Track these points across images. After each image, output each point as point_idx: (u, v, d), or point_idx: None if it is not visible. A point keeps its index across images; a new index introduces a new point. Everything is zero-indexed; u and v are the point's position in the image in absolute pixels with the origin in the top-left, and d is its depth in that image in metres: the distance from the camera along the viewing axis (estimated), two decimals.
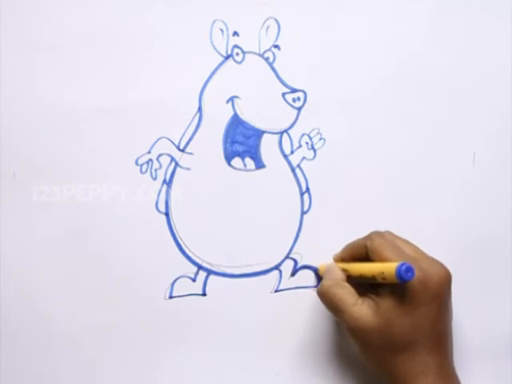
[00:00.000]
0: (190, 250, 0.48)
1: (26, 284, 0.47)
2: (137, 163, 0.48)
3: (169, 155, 0.48)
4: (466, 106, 0.51)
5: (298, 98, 0.50)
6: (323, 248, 0.50)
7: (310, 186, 0.50)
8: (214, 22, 0.49)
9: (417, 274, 0.41)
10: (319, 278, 0.49)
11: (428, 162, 0.51)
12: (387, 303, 0.42)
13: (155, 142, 0.48)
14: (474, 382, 0.50)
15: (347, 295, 0.44)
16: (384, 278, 0.42)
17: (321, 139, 0.50)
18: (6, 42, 0.46)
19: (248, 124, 0.49)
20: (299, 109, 0.50)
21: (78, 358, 0.47)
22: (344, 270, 0.46)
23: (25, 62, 0.47)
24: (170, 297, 0.48)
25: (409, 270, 0.40)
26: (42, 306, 0.47)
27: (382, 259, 0.43)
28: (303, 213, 0.50)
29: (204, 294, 0.49)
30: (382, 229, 0.49)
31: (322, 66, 0.50)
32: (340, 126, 0.50)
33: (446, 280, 0.43)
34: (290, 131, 0.50)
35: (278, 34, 0.49)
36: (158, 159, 0.48)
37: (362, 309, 0.43)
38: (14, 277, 0.46)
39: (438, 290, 0.42)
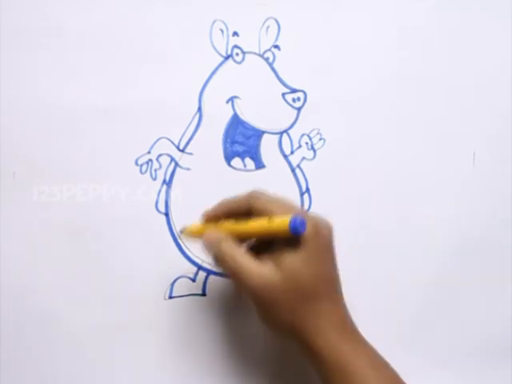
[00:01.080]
0: (189, 250, 0.48)
1: (26, 284, 0.47)
2: (137, 163, 0.48)
3: (169, 155, 0.48)
4: (466, 105, 0.51)
5: (298, 98, 0.50)
6: None
7: (309, 186, 0.50)
8: (213, 22, 0.49)
9: (310, 227, 0.41)
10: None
11: (428, 162, 0.51)
12: (288, 257, 0.41)
13: (155, 142, 0.48)
14: (474, 382, 0.50)
15: (245, 257, 0.42)
16: (276, 234, 0.41)
17: (321, 139, 0.50)
18: (6, 41, 0.46)
19: (248, 124, 0.49)
20: (299, 109, 0.50)
21: (78, 357, 0.47)
22: (232, 232, 0.43)
23: (25, 62, 0.47)
24: (170, 297, 0.48)
25: (302, 222, 0.40)
26: (42, 305, 0.47)
27: (271, 213, 0.42)
28: None
29: (204, 294, 0.49)
30: (381, 229, 0.49)
31: (322, 66, 0.50)
32: (340, 126, 0.50)
33: (332, 231, 0.43)
34: (289, 131, 0.50)
35: (277, 34, 0.49)
36: (157, 159, 0.48)
37: (263, 267, 0.41)
38: (14, 276, 0.47)
39: (329, 240, 0.43)
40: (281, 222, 0.40)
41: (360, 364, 0.41)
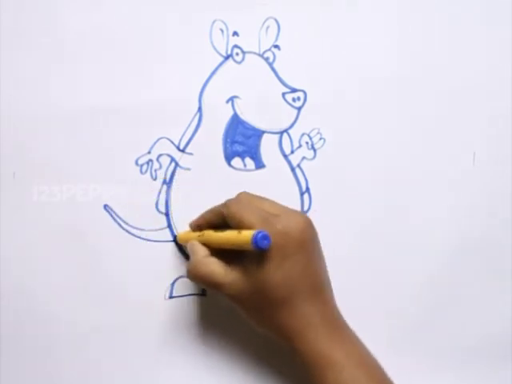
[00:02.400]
0: None
1: (26, 284, 0.47)
2: (137, 163, 0.48)
3: (169, 155, 0.48)
4: (466, 106, 0.51)
5: (298, 98, 0.50)
6: (323, 248, 0.50)
7: (310, 186, 0.50)
8: (213, 21, 0.49)
9: (278, 227, 0.41)
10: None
11: (428, 162, 0.51)
12: (255, 264, 0.41)
13: (155, 142, 0.48)
14: (474, 382, 0.50)
15: (215, 269, 0.43)
16: (242, 247, 0.41)
17: (321, 139, 0.50)
18: (7, 42, 0.46)
19: (248, 124, 0.49)
20: (299, 109, 0.50)
21: (77, 358, 0.47)
22: (204, 245, 0.45)
23: (25, 62, 0.47)
24: (170, 297, 0.48)
25: (264, 237, 0.40)
26: (42, 306, 0.47)
27: (241, 224, 0.42)
28: (303, 213, 0.50)
29: (204, 294, 0.49)
30: (381, 228, 0.49)
31: (322, 66, 0.50)
32: (340, 126, 0.50)
33: (306, 227, 0.43)
34: (289, 131, 0.50)
35: (277, 34, 0.49)
36: (157, 159, 0.48)
37: (231, 275, 0.42)
38: (14, 277, 0.47)
39: (301, 238, 0.42)
40: (244, 237, 0.41)
41: (340, 360, 0.41)
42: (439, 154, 0.51)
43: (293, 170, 0.50)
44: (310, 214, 0.50)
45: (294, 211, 0.44)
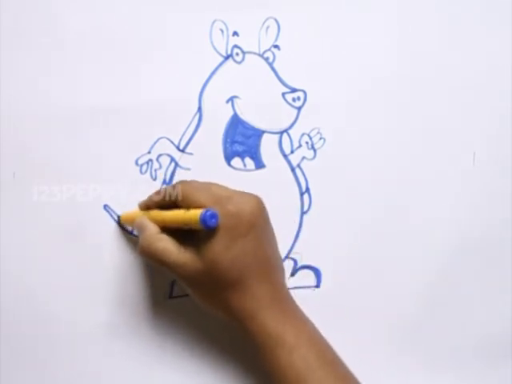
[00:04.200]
0: None
1: (25, 284, 0.47)
2: (137, 163, 0.48)
3: (169, 155, 0.48)
4: (466, 106, 0.51)
5: (298, 98, 0.50)
6: (323, 248, 0.50)
7: (310, 186, 0.50)
8: (213, 22, 0.49)
9: (229, 208, 0.41)
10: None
11: (428, 162, 0.51)
12: (207, 244, 0.41)
13: (155, 142, 0.48)
14: (474, 382, 0.50)
15: (167, 247, 0.43)
16: (190, 226, 0.41)
17: (321, 139, 0.50)
18: (6, 41, 0.46)
19: (248, 124, 0.49)
20: (299, 108, 0.50)
21: (77, 357, 0.47)
22: (156, 220, 0.44)
23: (25, 62, 0.47)
24: (170, 297, 0.48)
25: (212, 215, 0.40)
26: (42, 305, 0.47)
27: (192, 204, 0.42)
28: (303, 213, 0.50)
29: None
30: (381, 228, 0.49)
31: (322, 66, 0.50)
32: (340, 126, 0.50)
33: (257, 208, 0.43)
34: (289, 131, 0.50)
35: (277, 34, 0.49)
36: (157, 159, 0.48)
37: (184, 256, 0.42)
38: (14, 277, 0.47)
39: (251, 219, 0.42)
40: (192, 215, 0.41)
41: (291, 340, 0.41)
42: (439, 153, 0.51)
43: (293, 170, 0.50)
44: (310, 214, 0.50)
45: (245, 193, 0.43)
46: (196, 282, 0.42)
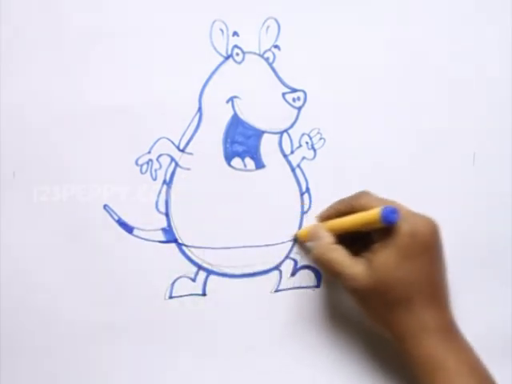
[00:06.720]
0: (189, 251, 0.48)
1: (26, 284, 0.47)
2: (137, 163, 0.48)
3: (169, 155, 0.48)
4: (465, 106, 0.51)
5: (298, 98, 0.50)
6: None
7: (310, 186, 0.50)
8: (213, 22, 0.49)
9: (406, 227, 0.42)
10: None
11: (428, 162, 0.51)
12: (380, 260, 0.42)
13: (155, 142, 0.48)
14: None
15: (341, 258, 0.44)
16: (370, 224, 0.42)
17: (321, 139, 0.50)
18: (7, 41, 0.46)
19: (248, 124, 0.49)
20: (299, 109, 0.50)
21: (78, 357, 0.47)
22: (330, 230, 0.46)
23: (25, 62, 0.47)
24: (170, 297, 0.48)
25: (393, 211, 0.40)
26: (42, 305, 0.47)
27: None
28: (303, 213, 0.50)
29: (204, 294, 0.49)
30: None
31: (322, 66, 0.50)
32: (340, 126, 0.50)
33: (434, 230, 0.43)
34: (289, 131, 0.50)
35: (277, 34, 0.49)
36: (157, 159, 0.48)
37: (356, 269, 0.43)
38: (15, 276, 0.47)
39: (427, 241, 0.42)
40: (373, 212, 0.42)
41: (452, 367, 0.41)
42: (439, 153, 0.51)
43: (293, 170, 0.50)
44: (310, 214, 0.50)
45: (423, 215, 0.44)
46: (364, 294, 0.43)
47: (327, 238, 0.45)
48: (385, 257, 0.42)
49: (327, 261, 0.44)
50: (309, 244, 0.49)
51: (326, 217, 0.48)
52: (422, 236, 0.42)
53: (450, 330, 0.43)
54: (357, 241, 0.45)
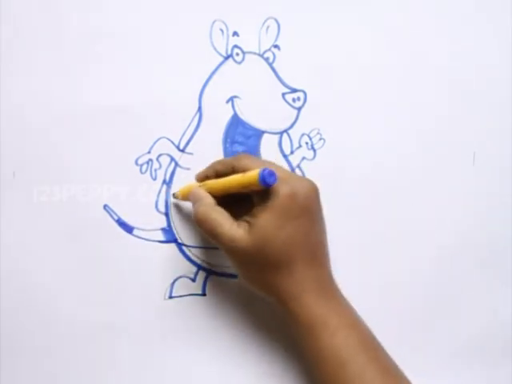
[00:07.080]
0: (189, 251, 0.48)
1: (26, 283, 0.47)
2: (137, 163, 0.48)
3: (169, 155, 0.48)
4: (466, 105, 0.51)
5: (298, 98, 0.50)
6: None
7: None
8: (213, 22, 0.49)
9: (285, 189, 0.41)
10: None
11: (428, 162, 0.51)
12: (260, 222, 0.42)
13: (155, 142, 0.48)
14: (474, 382, 0.50)
15: (222, 219, 0.43)
16: (248, 186, 0.42)
17: (321, 139, 0.50)
18: (6, 41, 0.46)
19: (248, 124, 0.49)
20: (299, 109, 0.50)
21: (78, 357, 0.47)
22: (209, 190, 0.45)
23: (25, 62, 0.47)
24: (170, 297, 0.48)
25: (271, 173, 0.40)
26: (42, 305, 0.47)
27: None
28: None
29: (204, 294, 0.49)
30: (381, 228, 0.49)
31: (322, 66, 0.50)
32: (340, 126, 0.50)
33: (313, 192, 0.43)
34: (289, 131, 0.50)
35: (277, 34, 0.49)
36: (157, 159, 0.48)
37: (237, 231, 0.42)
38: (15, 276, 0.47)
39: (306, 202, 0.42)
40: (252, 174, 0.41)
41: (334, 323, 0.42)
42: (439, 153, 0.51)
43: (293, 170, 0.50)
44: None
45: (302, 177, 0.44)
46: (244, 258, 0.42)
47: (208, 200, 0.44)
48: (264, 219, 0.41)
49: (208, 221, 0.43)
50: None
51: (204, 177, 0.47)
52: (301, 198, 0.42)
53: (330, 288, 0.44)
54: (239, 204, 0.45)
